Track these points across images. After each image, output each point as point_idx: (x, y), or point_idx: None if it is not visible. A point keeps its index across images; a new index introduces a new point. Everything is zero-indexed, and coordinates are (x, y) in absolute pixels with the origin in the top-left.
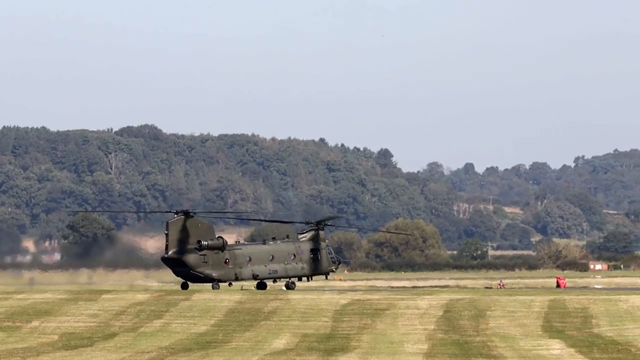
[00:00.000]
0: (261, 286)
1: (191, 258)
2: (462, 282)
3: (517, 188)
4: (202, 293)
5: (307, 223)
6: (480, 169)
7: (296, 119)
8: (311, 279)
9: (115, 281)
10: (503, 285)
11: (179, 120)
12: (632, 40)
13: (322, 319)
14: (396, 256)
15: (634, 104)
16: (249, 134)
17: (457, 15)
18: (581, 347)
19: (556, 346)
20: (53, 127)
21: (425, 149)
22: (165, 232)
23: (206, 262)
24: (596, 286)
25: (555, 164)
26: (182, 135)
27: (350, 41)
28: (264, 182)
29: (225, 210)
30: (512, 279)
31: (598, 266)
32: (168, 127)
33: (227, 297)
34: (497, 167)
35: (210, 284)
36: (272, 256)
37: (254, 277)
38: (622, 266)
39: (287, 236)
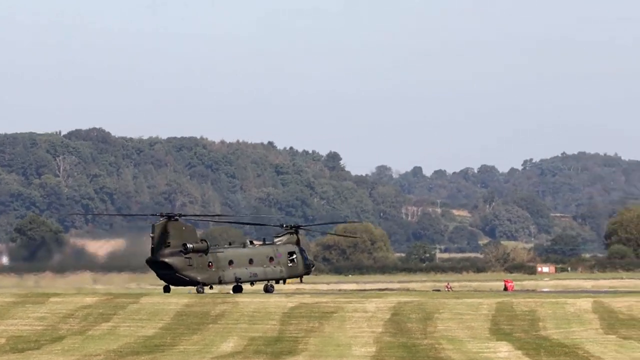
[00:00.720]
0: (237, 289)
1: (177, 261)
2: (410, 285)
3: (465, 191)
4: (150, 296)
5: (283, 227)
6: (428, 172)
7: (245, 122)
8: (284, 282)
9: (64, 284)
10: (451, 288)
11: (127, 124)
12: (579, 45)
13: (269, 322)
14: (344, 259)
15: (582, 108)
16: (198, 137)
17: (401, 19)
18: (528, 350)
19: (504, 349)
20: (1, 130)
21: (373, 153)
22: (151, 235)
23: (191, 265)
24: (544, 289)
25: (503, 167)
26: (131, 139)
27: (305, 42)
28: (212, 185)
29: (212, 214)
30: (460, 282)
31: (545, 269)
32: (116, 131)
33: (175, 300)
34: (445, 171)
35: (191, 286)
36: (252, 259)
37: (236, 280)
38: (569, 269)
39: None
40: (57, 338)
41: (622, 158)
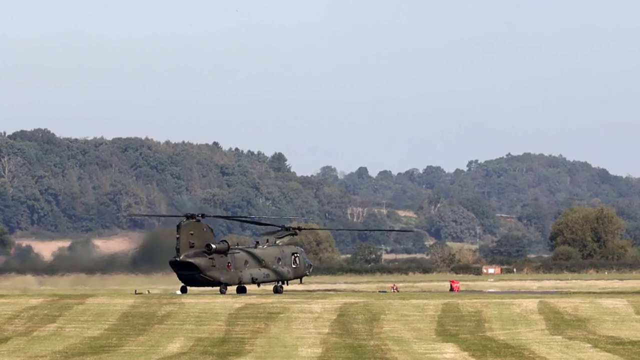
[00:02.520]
0: (241, 290)
1: (202, 261)
2: (356, 286)
3: (410, 192)
4: (96, 297)
5: (284, 228)
6: (373, 173)
7: (190, 123)
8: (287, 283)
9: (9, 286)
10: (397, 289)
11: (72, 125)
12: (523, 49)
13: (216, 322)
14: None
15: (527, 110)
16: (143, 137)
17: (351, 19)
18: (474, 351)
19: (450, 350)
20: None
21: (318, 153)
22: (177, 235)
23: (214, 265)
24: (489, 290)
25: (448, 168)
26: (76, 140)
27: (244, 42)
28: (157, 186)
29: (237, 216)
30: (406, 283)
31: (491, 270)
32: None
33: (121, 301)
34: (390, 171)
35: (213, 287)
36: (263, 260)
37: (253, 281)
38: (515, 270)
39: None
40: (2, 339)
41: (567, 159)
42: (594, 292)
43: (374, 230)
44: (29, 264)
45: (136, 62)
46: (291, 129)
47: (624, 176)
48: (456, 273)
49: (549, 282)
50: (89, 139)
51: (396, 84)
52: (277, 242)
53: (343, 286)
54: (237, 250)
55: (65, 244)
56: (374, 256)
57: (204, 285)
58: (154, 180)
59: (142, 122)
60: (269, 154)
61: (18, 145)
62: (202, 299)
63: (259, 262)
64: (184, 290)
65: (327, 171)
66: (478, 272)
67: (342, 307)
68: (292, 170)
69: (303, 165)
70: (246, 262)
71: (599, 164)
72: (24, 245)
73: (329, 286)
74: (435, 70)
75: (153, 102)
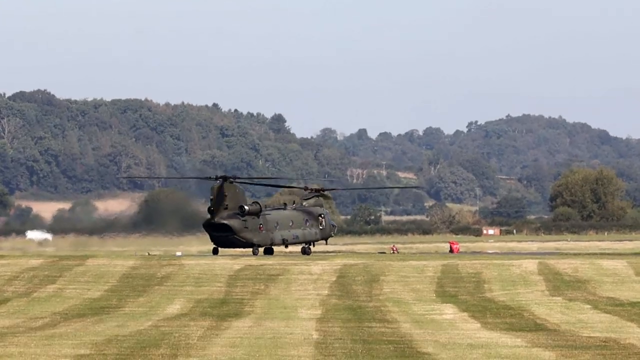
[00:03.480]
0: (269, 251)
1: (236, 223)
2: (355, 247)
3: (410, 153)
4: (95, 258)
5: (307, 189)
6: (373, 134)
7: (190, 84)
8: (314, 244)
9: (9, 246)
10: (396, 250)
11: (72, 86)
12: (524, 11)
13: (215, 284)
14: None
15: (527, 71)
16: (142, 99)
17: None
18: (474, 312)
19: (449, 311)
20: None
21: (318, 115)
22: (211, 197)
23: (247, 227)
24: (489, 251)
25: (448, 130)
26: (75, 101)
27: (244, 3)
28: (157, 147)
29: (263, 177)
30: (406, 244)
31: (491, 231)
32: (61, 93)
33: (121, 262)
34: (390, 133)
35: (246, 249)
36: (292, 221)
37: (283, 242)
38: (514, 231)
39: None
40: (2, 300)
41: (567, 120)
42: (594, 253)
43: (391, 187)
44: (28, 225)
45: (136, 24)
46: (291, 90)
47: (624, 137)
48: (456, 234)
49: (549, 244)
50: (88, 100)
51: (396, 46)
52: (304, 203)
53: (342, 247)
54: (267, 212)
55: (65, 205)
56: (373, 217)
57: (237, 247)
58: (154, 142)
59: (142, 84)
60: (268, 115)
61: (18, 107)
62: (201, 260)
63: (289, 223)
64: (215, 251)
65: (327, 133)
66: (478, 233)
67: (341, 268)
68: (291, 131)
69: (303, 126)
70: (277, 224)
71: (598, 125)
72: (23, 206)
73: (329, 247)
74: (435, 33)
75: (153, 63)
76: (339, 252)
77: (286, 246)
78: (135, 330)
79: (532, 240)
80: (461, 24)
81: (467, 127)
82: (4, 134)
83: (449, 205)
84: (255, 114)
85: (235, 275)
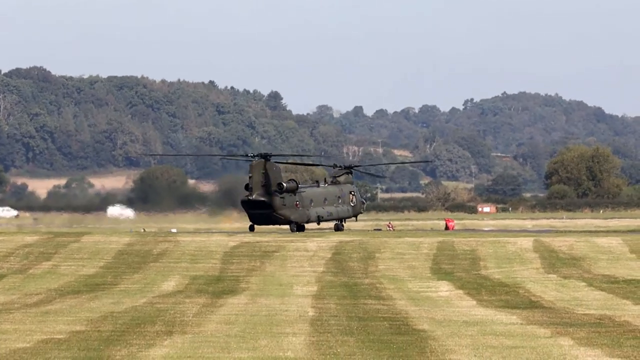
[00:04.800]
0: (300, 228)
1: (275, 200)
2: (351, 225)
3: (406, 131)
4: (91, 235)
5: (336, 167)
6: (369, 111)
7: (186, 61)
8: (344, 221)
9: (4, 223)
10: (392, 227)
11: (68, 63)
12: None
13: (211, 261)
14: None
15: (523, 49)
16: (139, 76)
17: None
18: (469, 289)
19: (444, 288)
20: None
21: (314, 92)
22: (250, 175)
23: (285, 204)
24: (484, 228)
25: (444, 107)
26: (71, 77)
27: None
28: (153, 124)
29: (297, 154)
30: (402, 221)
31: (486, 208)
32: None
33: (116, 239)
34: (386, 110)
35: (284, 225)
36: (326, 198)
37: (318, 219)
38: (510, 208)
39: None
40: None
41: (563, 98)
42: (589, 231)
43: (408, 163)
44: (24, 202)
45: (132, 1)
46: (287, 67)
47: (619, 115)
48: (451, 212)
49: (544, 221)
50: (84, 77)
51: (392, 22)
52: (334, 180)
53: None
54: (303, 189)
55: (61, 181)
56: (369, 194)
57: (274, 224)
58: (150, 119)
59: (138, 61)
60: (265, 92)
61: (14, 83)
62: (196, 237)
63: (323, 200)
64: (252, 228)
65: (323, 110)
66: (473, 210)
67: (337, 245)
68: (288, 109)
69: (299, 104)
70: (311, 201)
71: (594, 103)
72: (19, 183)
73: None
74: (431, 9)
75: (149, 40)
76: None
77: (318, 223)
78: (130, 307)
79: (527, 218)
80: (458, 3)
81: (463, 104)
82: (0, 110)
83: (445, 182)
84: (251, 91)
85: (231, 252)
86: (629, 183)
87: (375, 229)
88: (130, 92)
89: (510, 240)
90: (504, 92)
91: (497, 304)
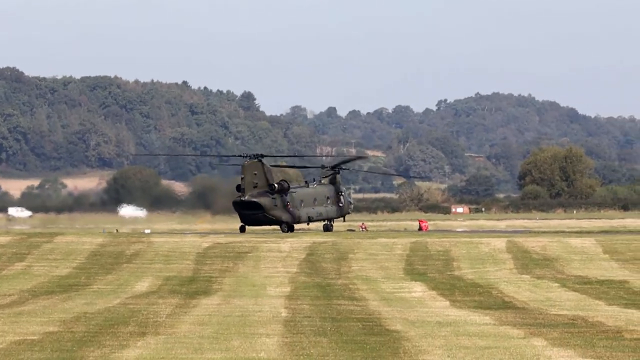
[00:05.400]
0: (290, 229)
1: (266, 201)
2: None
3: (379, 132)
4: (64, 236)
5: (324, 167)
6: (343, 112)
7: (159, 62)
8: (333, 221)
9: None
10: (365, 227)
11: (41, 63)
12: None
13: (184, 262)
14: None
15: (496, 49)
16: (112, 76)
17: None
18: (443, 290)
19: (418, 288)
20: None
21: (288, 93)
22: (242, 176)
23: (276, 205)
24: (458, 229)
25: (417, 108)
26: (44, 78)
27: None
28: (126, 125)
29: (292, 155)
30: (375, 222)
31: (460, 209)
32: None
33: (89, 240)
34: (359, 111)
35: (274, 226)
36: (315, 199)
37: (309, 219)
38: (483, 209)
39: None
40: None
41: (536, 98)
42: (562, 232)
43: (396, 175)
44: None
45: (104, 1)
46: (261, 68)
47: (592, 116)
48: (425, 212)
49: (517, 222)
50: (57, 77)
51: (365, 23)
52: (322, 181)
53: (311, 225)
54: (293, 190)
55: (34, 182)
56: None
57: (266, 225)
58: (123, 120)
59: (111, 61)
60: (238, 93)
61: None
62: (170, 237)
63: (313, 201)
64: (242, 229)
65: (297, 110)
66: (447, 211)
67: (310, 246)
68: (261, 109)
69: (272, 104)
70: (302, 201)
71: (568, 104)
72: None
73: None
74: (404, 10)
75: (122, 40)
76: (308, 229)
77: (308, 223)
78: (103, 308)
79: (500, 219)
80: (431, 1)
81: (436, 105)
82: None
83: (418, 183)
84: (224, 92)
85: (204, 252)
86: (602, 184)
87: (348, 230)
88: (104, 92)
89: (483, 241)
90: (477, 93)
91: (470, 304)
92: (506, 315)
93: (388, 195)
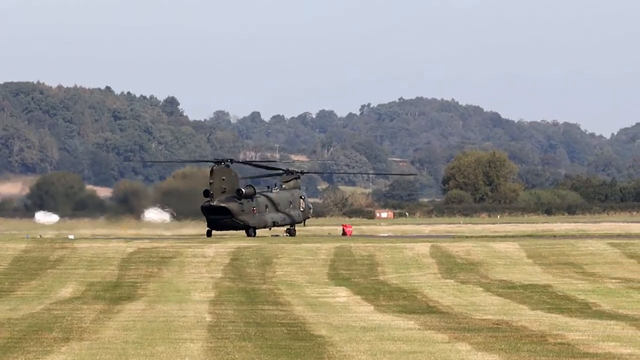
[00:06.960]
0: (255, 233)
1: (234, 206)
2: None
3: (303, 136)
4: None
5: (288, 172)
6: (266, 117)
7: (82, 67)
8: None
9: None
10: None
11: None
12: None
13: (108, 267)
14: (184, 205)
15: (420, 54)
16: (35, 81)
17: None
18: (367, 295)
19: (342, 293)
20: None
21: (211, 97)
22: (210, 180)
23: (244, 210)
24: (382, 234)
25: (341, 112)
26: None
27: None
28: (49, 131)
29: (262, 160)
30: (298, 227)
31: (384, 214)
32: None
33: (13, 245)
34: (283, 116)
35: (240, 230)
36: (279, 204)
37: (274, 224)
38: (407, 214)
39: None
40: None
41: (460, 103)
42: (486, 236)
43: (381, 174)
44: None
45: (27, 4)
46: (184, 73)
47: (515, 120)
48: (349, 217)
49: (441, 226)
50: None
51: (289, 27)
52: (283, 185)
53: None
54: (258, 195)
55: None
56: None
57: (233, 230)
58: (46, 125)
59: (34, 67)
60: (161, 98)
61: None
62: (94, 243)
63: (276, 205)
64: (209, 234)
65: (220, 115)
66: (371, 216)
67: (235, 251)
68: (184, 114)
69: (196, 109)
70: (266, 206)
71: (491, 108)
72: None
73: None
74: (327, 13)
75: (44, 46)
76: (232, 235)
77: (270, 228)
78: (27, 314)
79: (424, 223)
80: (353, 6)
81: (360, 109)
82: None
83: (342, 187)
84: (148, 97)
85: (128, 258)
86: (526, 188)
87: (272, 235)
88: (27, 97)
89: (407, 246)
90: (401, 98)
91: (394, 309)
92: (431, 319)
93: (312, 200)
